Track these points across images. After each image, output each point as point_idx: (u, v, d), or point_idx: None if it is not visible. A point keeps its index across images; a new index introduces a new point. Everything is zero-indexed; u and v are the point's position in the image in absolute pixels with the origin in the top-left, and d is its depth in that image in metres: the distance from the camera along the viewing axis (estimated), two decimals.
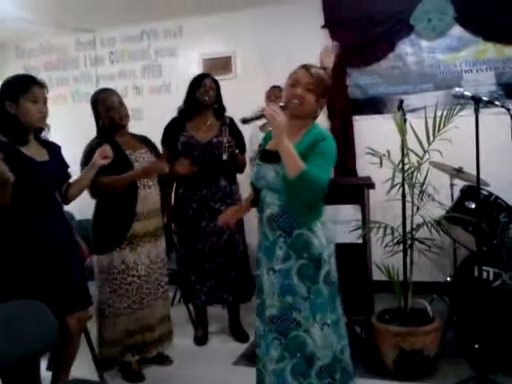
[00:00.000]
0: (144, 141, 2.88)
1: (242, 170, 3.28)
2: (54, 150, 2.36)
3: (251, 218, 3.39)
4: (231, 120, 3.25)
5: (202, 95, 3.11)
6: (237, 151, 3.18)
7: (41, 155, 2.26)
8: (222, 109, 3.24)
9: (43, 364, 2.58)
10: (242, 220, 3.26)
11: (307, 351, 1.93)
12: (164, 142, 3.20)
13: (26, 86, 2.20)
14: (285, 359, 1.95)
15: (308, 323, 1.92)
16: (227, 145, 3.08)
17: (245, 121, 1.92)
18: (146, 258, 2.73)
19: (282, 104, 1.91)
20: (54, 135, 2.46)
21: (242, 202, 3.23)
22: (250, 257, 3.31)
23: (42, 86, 2.25)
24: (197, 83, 3.16)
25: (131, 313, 2.70)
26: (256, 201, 2.09)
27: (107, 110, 2.72)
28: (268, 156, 1.99)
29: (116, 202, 2.67)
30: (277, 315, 1.96)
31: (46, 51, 4.94)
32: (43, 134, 2.35)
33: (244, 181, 3.25)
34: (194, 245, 3.16)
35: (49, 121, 2.33)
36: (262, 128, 3.30)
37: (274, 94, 3.65)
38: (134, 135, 2.86)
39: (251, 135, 3.53)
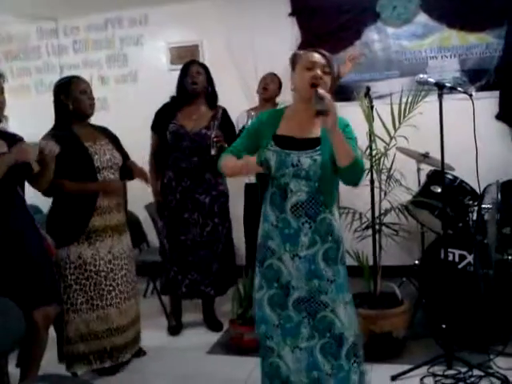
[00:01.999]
0: (104, 132, 2.76)
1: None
2: (14, 142, 2.28)
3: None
4: (224, 111, 3.21)
5: (190, 84, 3.07)
6: (226, 145, 3.14)
7: None
8: (215, 95, 3.19)
9: (12, 361, 2.53)
10: (228, 213, 3.25)
11: (336, 331, 1.98)
12: (154, 127, 3.16)
13: None
14: (314, 338, 1.99)
15: (334, 304, 1.97)
16: (215, 139, 3.02)
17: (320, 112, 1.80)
18: (106, 254, 2.62)
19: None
20: (16, 128, 2.39)
21: (227, 194, 3.23)
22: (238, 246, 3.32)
23: None
24: (184, 72, 3.11)
25: (90, 309, 2.59)
26: (263, 185, 2.05)
27: (81, 93, 2.59)
28: (291, 143, 1.95)
29: (76, 196, 2.56)
30: (305, 297, 1.98)
31: (6, 40, 4.76)
32: (1, 126, 2.27)
33: None
34: (176, 236, 3.13)
35: (10, 113, 2.26)
36: (250, 111, 3.28)
37: (265, 80, 3.59)
38: (94, 126, 2.74)
39: (238, 118, 3.50)
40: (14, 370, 2.46)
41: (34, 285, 2.24)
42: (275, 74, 3.59)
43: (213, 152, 3.01)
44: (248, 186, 3.62)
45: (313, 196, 1.94)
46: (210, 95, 3.16)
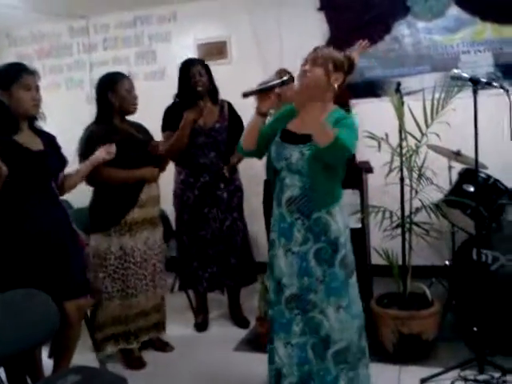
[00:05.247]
0: (139, 128, 2.84)
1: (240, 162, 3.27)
2: (48, 139, 2.34)
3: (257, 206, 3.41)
4: (229, 105, 3.22)
5: (195, 85, 3.05)
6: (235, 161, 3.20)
7: (35, 144, 2.25)
8: (216, 92, 3.20)
9: (45, 352, 2.59)
10: (242, 206, 3.28)
11: (322, 333, 2.00)
12: (166, 127, 3.12)
13: (17, 74, 2.18)
14: (306, 334, 2.03)
15: (323, 305, 1.99)
16: (226, 174, 3.12)
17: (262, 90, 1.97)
18: (142, 245, 2.73)
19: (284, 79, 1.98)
20: (46, 124, 2.43)
21: (242, 189, 3.27)
22: (255, 242, 3.33)
23: (32, 73, 2.24)
24: (186, 72, 3.09)
25: (124, 297, 2.70)
26: (272, 183, 2.13)
27: (126, 92, 2.68)
28: (291, 137, 2.01)
29: (119, 188, 2.65)
30: (296, 294, 2.02)
31: (39, 39, 4.86)
32: (38, 123, 2.32)
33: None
34: (195, 231, 3.15)
35: (42, 109, 2.30)
36: None
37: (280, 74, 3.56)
38: (129, 122, 2.82)
39: None
40: (46, 361, 2.52)
41: (67, 277, 2.28)
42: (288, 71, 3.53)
43: (227, 174, 3.12)
44: (267, 182, 3.62)
45: (305, 193, 1.96)
46: (212, 93, 3.16)
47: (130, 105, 2.71)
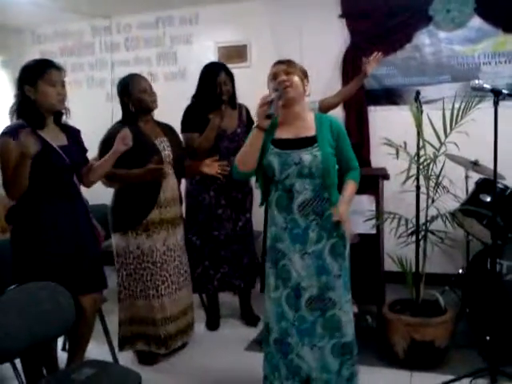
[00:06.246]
0: (168, 130, 2.87)
1: None
2: (73, 134, 2.39)
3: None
4: (247, 110, 3.26)
5: (221, 94, 3.07)
6: None
7: (59, 139, 2.30)
8: (235, 98, 3.22)
9: (59, 344, 2.63)
10: (252, 208, 3.31)
11: (343, 330, 2.06)
12: (188, 128, 3.12)
13: (43, 69, 2.23)
14: (324, 337, 2.06)
15: (342, 301, 2.05)
16: None
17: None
18: (161, 246, 2.74)
19: (273, 96, 1.99)
20: (68, 120, 2.47)
21: (252, 191, 3.30)
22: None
23: (59, 69, 2.29)
24: (211, 78, 3.10)
25: (146, 297, 2.73)
26: (266, 190, 2.17)
27: (141, 93, 2.71)
28: (290, 143, 2.07)
29: (138, 189, 2.66)
30: (316, 295, 2.05)
31: (62, 37, 4.94)
32: (63, 118, 2.36)
33: None
34: (209, 232, 3.19)
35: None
36: None
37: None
38: (158, 123, 2.85)
39: None
40: (60, 353, 2.57)
41: (83, 272, 2.32)
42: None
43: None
44: None
45: (318, 193, 2.04)
46: (231, 99, 3.18)
47: (148, 103, 2.73)
